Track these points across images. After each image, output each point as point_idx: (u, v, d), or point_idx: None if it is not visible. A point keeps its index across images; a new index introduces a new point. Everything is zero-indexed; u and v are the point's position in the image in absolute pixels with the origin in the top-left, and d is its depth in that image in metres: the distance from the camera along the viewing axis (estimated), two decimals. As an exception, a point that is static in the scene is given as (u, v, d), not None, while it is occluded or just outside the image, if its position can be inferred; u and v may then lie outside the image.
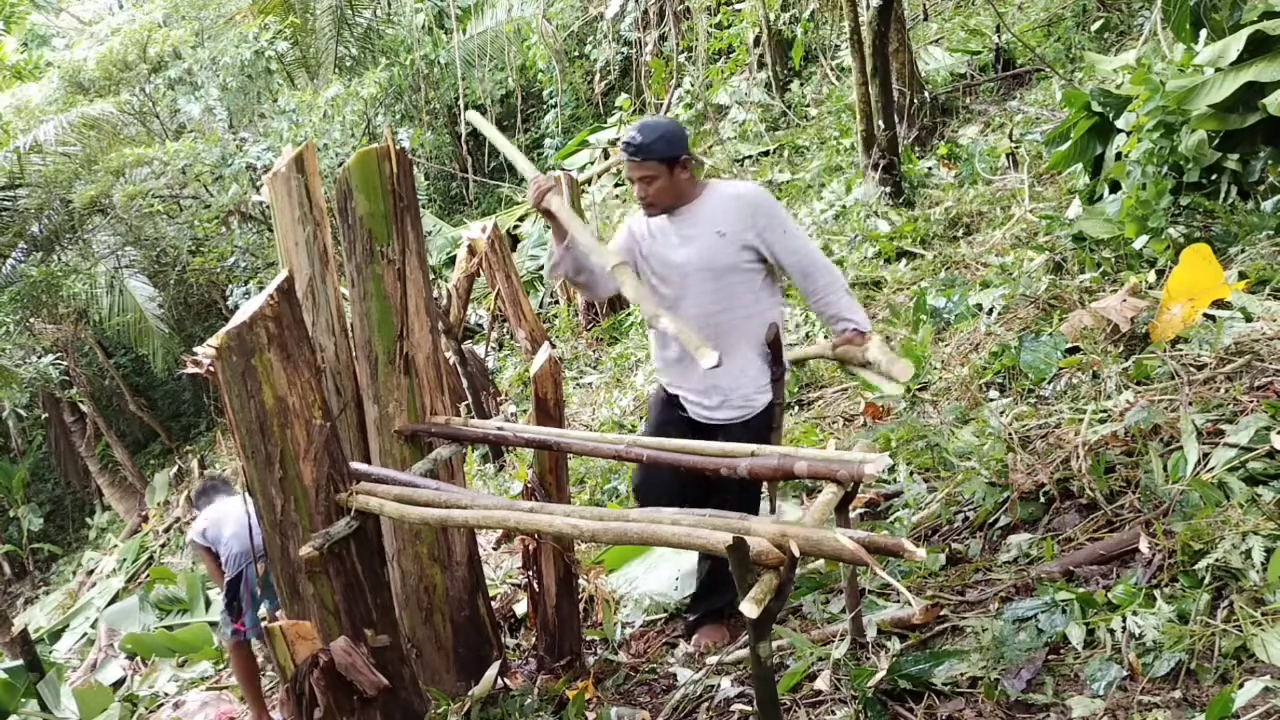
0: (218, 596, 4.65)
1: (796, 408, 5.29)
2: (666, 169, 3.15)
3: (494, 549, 5.30)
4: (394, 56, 13.19)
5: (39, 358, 11.59)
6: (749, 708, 2.81)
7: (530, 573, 3.57)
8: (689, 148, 3.21)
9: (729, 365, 3.09)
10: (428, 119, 14.45)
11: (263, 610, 4.39)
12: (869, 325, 3.26)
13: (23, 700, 5.33)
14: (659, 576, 4.02)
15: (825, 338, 3.71)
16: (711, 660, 3.27)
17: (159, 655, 6.41)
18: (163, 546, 11.12)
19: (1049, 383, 3.91)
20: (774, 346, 3.23)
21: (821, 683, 2.69)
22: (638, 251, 3.29)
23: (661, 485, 3.32)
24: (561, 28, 13.58)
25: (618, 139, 11.68)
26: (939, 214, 6.57)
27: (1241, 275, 3.80)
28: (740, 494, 3.12)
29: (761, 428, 3.21)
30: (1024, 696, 2.44)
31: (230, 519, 4.51)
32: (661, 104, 10.37)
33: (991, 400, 4.09)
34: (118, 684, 6.50)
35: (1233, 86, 4.16)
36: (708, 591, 3.49)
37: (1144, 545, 2.75)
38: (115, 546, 12.37)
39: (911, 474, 3.89)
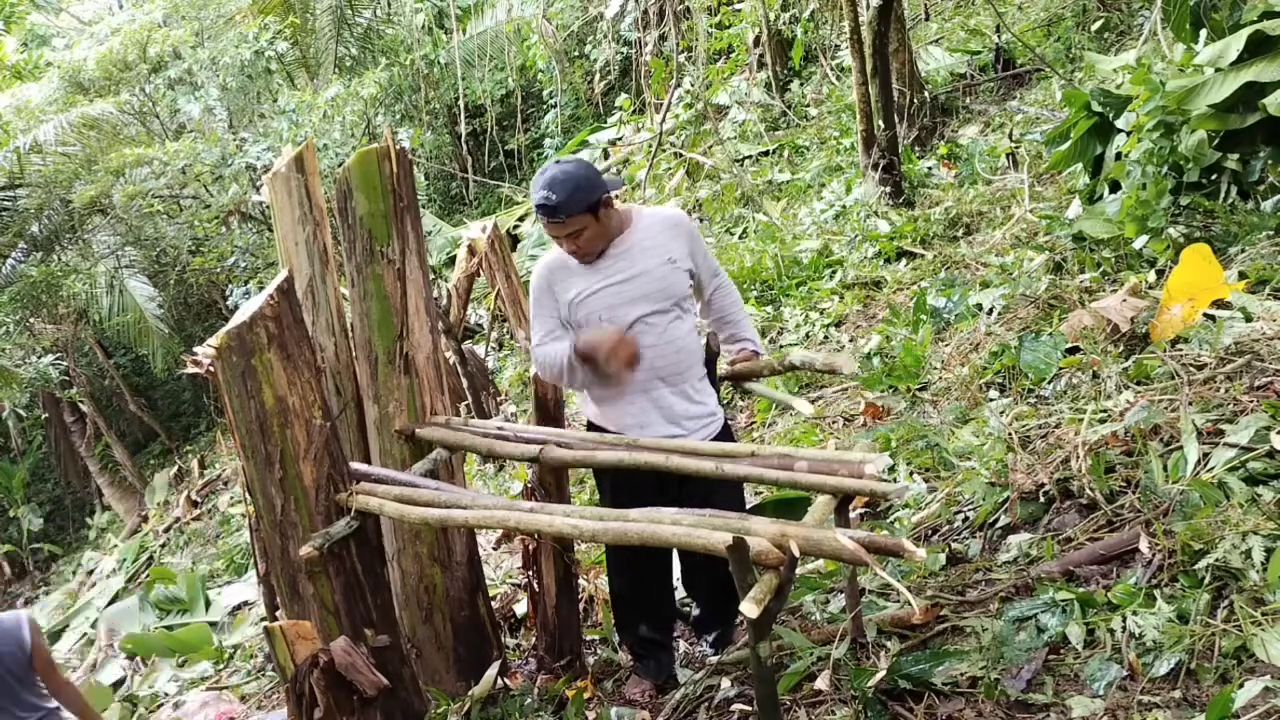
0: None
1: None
2: (593, 218, 2.90)
3: (494, 549, 5.30)
4: (394, 56, 13.19)
5: (39, 358, 11.58)
6: (749, 708, 2.81)
7: (530, 573, 3.57)
8: (604, 183, 2.95)
9: (698, 385, 3.12)
10: (428, 119, 14.45)
11: None
12: (763, 347, 3.37)
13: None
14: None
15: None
16: (712, 660, 3.28)
17: (159, 655, 6.41)
18: (163, 546, 11.11)
19: (1049, 383, 3.91)
20: (712, 359, 3.22)
21: (821, 683, 2.69)
22: (566, 307, 3.02)
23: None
24: (561, 28, 13.58)
25: (618, 139, 11.69)
26: (939, 214, 6.57)
27: (1241, 275, 3.80)
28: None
29: (728, 439, 3.21)
30: (1024, 696, 2.44)
31: None
32: (661, 103, 10.36)
33: (991, 400, 4.09)
34: (118, 684, 6.49)
35: (1233, 86, 4.16)
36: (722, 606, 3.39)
37: (1144, 545, 2.75)
38: (115, 546, 12.36)
39: (911, 474, 3.89)
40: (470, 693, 3.27)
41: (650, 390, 3.05)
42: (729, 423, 3.29)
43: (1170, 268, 3.98)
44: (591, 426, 3.19)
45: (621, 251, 3.02)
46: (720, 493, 2.98)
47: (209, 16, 11.99)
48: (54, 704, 3.64)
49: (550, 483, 3.44)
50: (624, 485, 3.08)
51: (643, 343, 2.99)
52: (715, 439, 3.07)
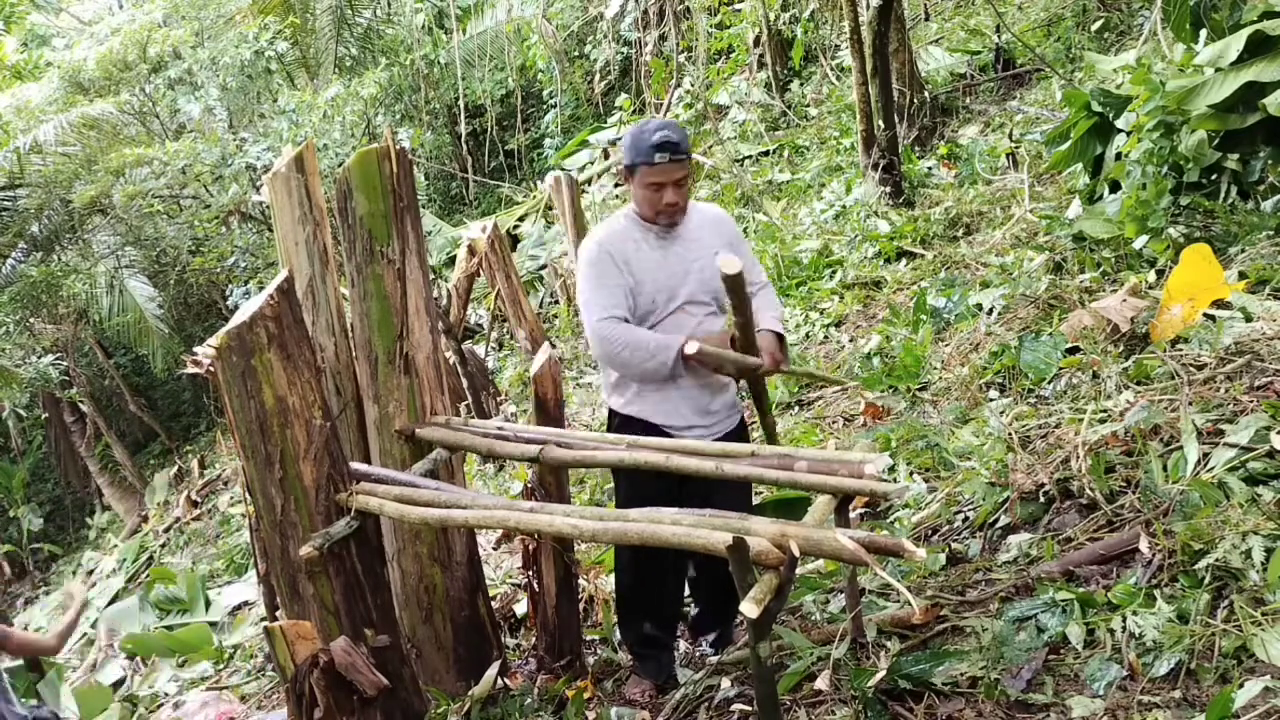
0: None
1: (796, 407, 5.29)
2: (690, 165, 3.03)
3: (494, 549, 5.30)
4: (394, 56, 13.19)
5: (39, 358, 11.58)
6: (749, 708, 2.81)
7: (530, 573, 3.57)
8: None
9: (725, 381, 3.14)
10: (428, 119, 14.45)
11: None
12: (780, 328, 3.32)
13: (23, 700, 5.32)
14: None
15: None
16: (712, 660, 3.27)
17: (159, 655, 6.40)
18: (163, 546, 11.11)
19: (1049, 383, 3.91)
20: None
21: (821, 683, 2.69)
22: (629, 277, 3.02)
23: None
24: (561, 28, 13.58)
25: (618, 139, 11.69)
26: (939, 214, 6.57)
27: (1241, 275, 3.80)
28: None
29: (745, 433, 3.26)
30: (1024, 696, 2.44)
31: None
32: (661, 104, 10.37)
33: (991, 400, 4.09)
34: (118, 684, 6.49)
35: (1233, 86, 4.16)
36: (722, 606, 3.41)
37: (1144, 545, 2.75)
38: (115, 546, 12.36)
39: (911, 474, 3.89)
40: (470, 693, 3.27)
41: (683, 382, 3.07)
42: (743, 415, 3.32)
43: (1170, 268, 3.97)
44: (613, 415, 3.21)
45: (676, 237, 3.07)
46: (723, 492, 2.99)
47: (209, 16, 11.99)
48: (19, 715, 3.58)
49: (550, 483, 3.44)
50: (637, 483, 3.10)
51: (681, 331, 3.02)
52: (734, 431, 3.14)
